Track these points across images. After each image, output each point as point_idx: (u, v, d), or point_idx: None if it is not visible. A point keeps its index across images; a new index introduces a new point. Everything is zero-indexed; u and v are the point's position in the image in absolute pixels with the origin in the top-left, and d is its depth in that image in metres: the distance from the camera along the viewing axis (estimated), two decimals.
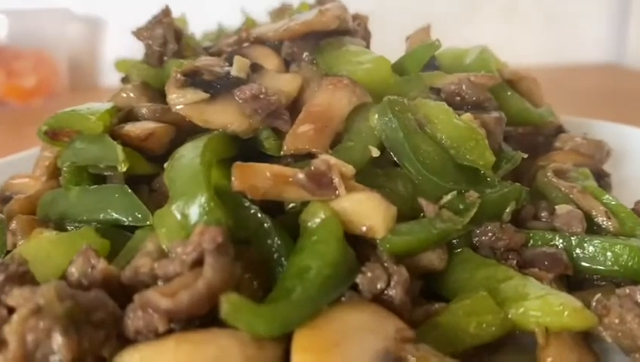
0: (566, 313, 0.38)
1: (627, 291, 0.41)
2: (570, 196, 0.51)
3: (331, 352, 0.33)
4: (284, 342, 0.35)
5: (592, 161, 0.60)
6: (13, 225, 0.47)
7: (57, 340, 0.31)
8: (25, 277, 0.36)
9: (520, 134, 0.59)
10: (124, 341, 0.35)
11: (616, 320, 0.39)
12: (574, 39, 1.94)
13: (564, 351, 0.39)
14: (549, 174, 0.52)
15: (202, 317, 0.35)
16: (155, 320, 0.33)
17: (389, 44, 0.65)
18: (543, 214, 0.51)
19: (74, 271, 0.37)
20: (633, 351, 0.39)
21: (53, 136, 0.53)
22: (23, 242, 0.46)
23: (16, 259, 0.37)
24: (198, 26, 0.78)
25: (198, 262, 0.36)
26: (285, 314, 0.34)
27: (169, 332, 0.34)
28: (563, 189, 0.51)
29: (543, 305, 0.38)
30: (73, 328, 0.32)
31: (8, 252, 0.47)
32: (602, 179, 0.60)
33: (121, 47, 2.03)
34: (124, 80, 0.64)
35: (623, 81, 1.75)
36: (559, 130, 0.63)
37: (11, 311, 0.34)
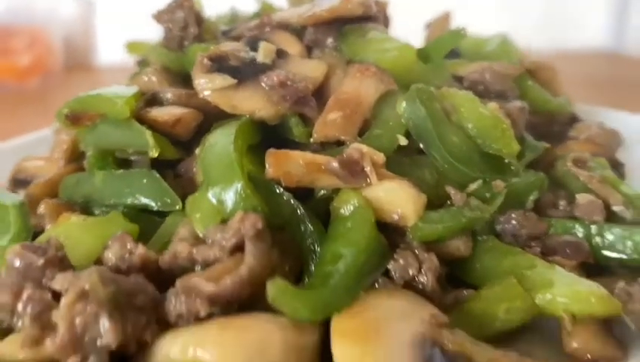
0: (593, 300, 0.39)
1: None
2: (590, 186, 0.52)
3: (371, 338, 0.34)
4: (321, 328, 0.36)
5: (607, 151, 0.60)
6: (41, 209, 0.47)
7: (104, 324, 0.32)
8: (64, 262, 0.37)
9: (536, 123, 0.59)
10: (164, 325, 0.35)
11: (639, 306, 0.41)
12: (574, 26, 1.95)
13: (589, 337, 0.40)
14: (568, 164, 0.53)
15: (240, 302, 0.36)
16: (198, 304, 0.34)
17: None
18: (561, 203, 0.52)
19: (111, 257, 0.37)
20: None
21: (74, 119, 0.52)
22: (51, 226, 0.46)
23: (53, 243, 0.37)
24: (210, 8, 0.77)
25: (238, 248, 0.36)
26: (326, 300, 0.34)
27: (209, 316, 0.35)
28: (582, 179, 0.52)
29: (570, 292, 0.39)
30: (117, 312, 0.33)
31: (35, 235, 0.47)
32: (617, 168, 0.61)
33: (113, 26, 2.01)
34: (141, 63, 0.63)
35: (623, 68, 1.77)
36: (573, 118, 0.64)
37: (55, 295, 0.34)
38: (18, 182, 0.62)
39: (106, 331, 0.32)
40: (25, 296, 0.34)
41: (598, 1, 1.93)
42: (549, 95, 0.57)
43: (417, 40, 0.61)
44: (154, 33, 0.67)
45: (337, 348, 0.33)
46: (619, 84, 1.56)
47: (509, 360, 0.35)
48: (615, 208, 0.51)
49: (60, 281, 0.33)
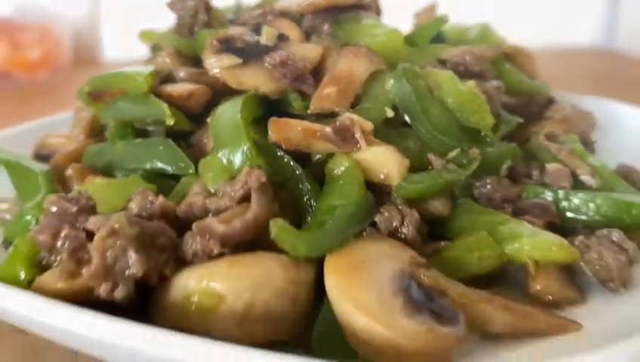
0: (553, 248, 0.45)
1: (605, 232, 0.48)
2: (559, 157, 0.57)
3: (357, 271, 0.39)
4: (317, 266, 0.41)
5: (579, 129, 0.66)
6: (69, 171, 0.53)
7: (132, 257, 0.38)
8: (93, 210, 0.42)
9: (515, 104, 0.65)
10: (181, 263, 0.41)
11: (595, 256, 0.46)
12: (567, 23, 2.00)
13: (551, 280, 0.46)
14: (541, 138, 0.59)
15: (247, 244, 0.41)
16: (211, 244, 0.39)
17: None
18: (534, 172, 0.57)
19: (134, 207, 0.43)
20: (608, 281, 0.46)
21: (95, 96, 0.58)
22: (77, 187, 0.51)
23: (84, 194, 0.43)
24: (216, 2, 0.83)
25: (244, 198, 0.42)
26: (320, 241, 0.40)
27: (220, 255, 0.40)
28: (553, 151, 0.58)
29: (533, 242, 0.45)
30: (142, 249, 0.39)
31: None
32: (588, 145, 0.66)
33: (119, 23, 2.07)
34: (155, 48, 0.69)
35: (613, 64, 1.82)
36: (550, 101, 0.70)
37: (88, 235, 0.40)
38: (41, 157, 0.68)
39: (133, 263, 0.38)
40: (62, 234, 0.39)
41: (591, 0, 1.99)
42: (525, 77, 0.63)
43: (408, 28, 0.67)
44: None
45: (329, 280, 0.39)
46: (609, 80, 1.61)
47: (477, 296, 0.41)
48: (582, 177, 0.57)
49: (92, 222, 0.39)
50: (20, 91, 1.64)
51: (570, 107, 0.68)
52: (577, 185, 0.57)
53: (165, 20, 0.71)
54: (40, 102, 1.53)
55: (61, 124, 0.76)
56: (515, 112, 0.64)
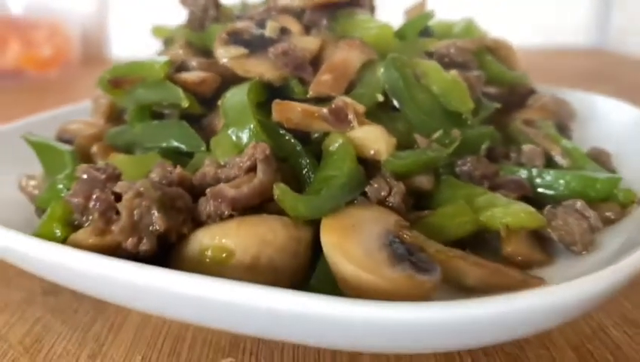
0: (522, 215, 0.51)
1: (570, 202, 0.54)
2: (535, 140, 0.64)
3: (348, 231, 0.45)
4: (314, 227, 0.47)
5: (557, 117, 0.72)
6: (94, 149, 0.59)
7: (155, 214, 0.44)
8: (119, 178, 0.48)
9: (497, 94, 0.71)
10: (197, 223, 0.47)
11: (561, 222, 0.52)
12: (560, 24, 2.07)
13: (521, 244, 0.52)
14: (519, 123, 0.65)
15: (254, 208, 0.47)
16: (223, 206, 0.46)
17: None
18: (512, 154, 0.63)
19: (154, 176, 0.49)
20: (572, 245, 0.52)
21: (115, 83, 0.64)
22: (101, 162, 0.57)
23: (111, 165, 0.49)
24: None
25: (251, 169, 0.48)
26: (317, 204, 0.46)
27: (230, 216, 0.46)
28: (530, 134, 0.64)
29: (505, 210, 0.51)
30: (164, 209, 0.45)
31: None
32: (565, 131, 0.72)
33: (128, 20, 2.13)
34: (167, 42, 0.75)
35: (604, 62, 1.88)
36: (532, 91, 0.76)
37: (117, 197, 0.46)
38: (63, 141, 0.74)
39: (156, 219, 0.44)
40: (94, 197, 0.45)
41: (583, 1, 2.05)
42: (506, 68, 0.69)
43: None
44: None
45: (325, 237, 0.45)
46: (601, 78, 1.67)
47: (453, 253, 0.47)
48: (555, 157, 0.63)
49: (120, 186, 0.45)
50: (32, 87, 1.70)
51: (549, 97, 0.74)
52: (552, 164, 0.63)
53: (171, 18, 0.77)
54: (51, 97, 1.59)
55: (74, 114, 0.83)
56: (498, 100, 0.71)
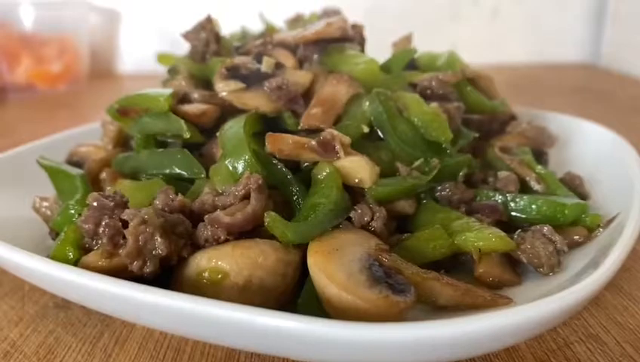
0: (493, 239, 0.55)
1: (538, 227, 0.59)
2: (511, 166, 0.68)
3: (332, 254, 0.50)
4: (301, 250, 0.52)
5: (534, 143, 0.77)
6: (103, 175, 0.64)
7: (158, 240, 0.49)
8: (126, 204, 0.54)
9: (479, 121, 0.76)
10: (195, 247, 0.52)
11: (529, 246, 0.57)
12: (554, 41, 2.12)
13: (492, 266, 0.56)
14: (495, 150, 0.70)
15: (247, 233, 0.52)
16: (219, 231, 0.51)
17: (386, 44, 0.83)
18: (490, 179, 0.68)
19: (158, 203, 0.54)
20: (539, 267, 0.56)
21: (123, 112, 0.69)
22: (110, 187, 0.63)
23: (118, 193, 0.55)
24: (225, 26, 0.94)
25: (245, 197, 0.53)
26: (304, 230, 0.51)
27: (225, 241, 0.51)
28: (505, 161, 0.69)
29: (478, 234, 0.56)
30: (166, 235, 0.50)
31: None
32: (542, 156, 0.77)
33: (136, 37, 2.20)
34: (171, 71, 0.81)
35: (596, 78, 1.93)
36: (512, 118, 0.81)
37: (124, 223, 0.51)
38: (73, 163, 0.80)
39: (159, 245, 0.49)
40: (103, 223, 0.51)
41: (577, 18, 2.10)
42: (485, 98, 0.74)
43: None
44: (167, 45, 0.84)
45: (310, 260, 0.50)
46: (593, 92, 1.72)
47: (427, 274, 0.52)
48: (530, 183, 0.68)
49: (127, 213, 0.50)
50: (42, 101, 1.76)
51: (527, 123, 0.78)
52: (527, 189, 0.68)
53: (179, 41, 0.82)
54: (60, 111, 1.65)
55: (84, 136, 0.88)
56: (479, 128, 0.76)
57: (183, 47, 0.79)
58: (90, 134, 0.90)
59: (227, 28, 0.95)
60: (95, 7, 2.09)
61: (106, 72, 2.19)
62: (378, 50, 0.78)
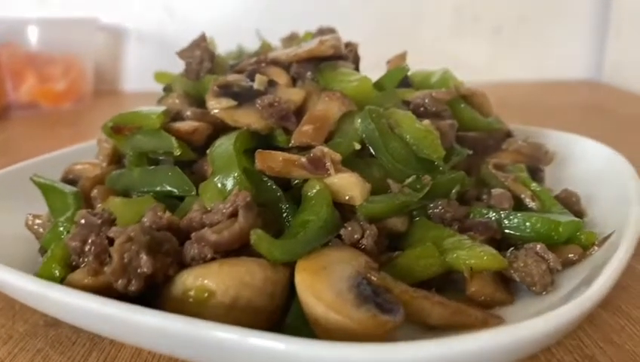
0: (485, 257, 0.54)
1: (531, 245, 0.58)
2: (505, 183, 0.68)
3: (320, 272, 0.49)
4: (289, 269, 0.52)
5: (530, 160, 0.76)
6: (94, 193, 0.64)
7: (143, 258, 0.48)
8: (114, 222, 0.53)
9: (473, 138, 0.76)
10: (182, 265, 0.52)
11: (522, 264, 0.56)
12: (555, 57, 2.12)
13: (484, 284, 0.55)
14: (490, 167, 0.69)
15: (235, 251, 0.52)
16: (205, 250, 0.50)
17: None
18: (483, 196, 0.67)
19: (146, 220, 0.54)
20: (532, 286, 0.55)
21: (117, 130, 0.70)
22: (101, 204, 0.63)
23: (106, 210, 0.54)
24: (221, 44, 0.95)
25: (233, 214, 0.53)
26: (292, 248, 0.50)
27: (212, 259, 0.51)
28: (500, 178, 0.68)
29: (470, 252, 0.55)
30: (151, 253, 0.49)
31: None
32: (537, 173, 0.77)
33: (140, 55, 2.22)
34: (166, 89, 0.81)
35: (600, 95, 1.93)
36: (507, 135, 0.80)
37: (110, 242, 0.51)
38: (68, 181, 0.80)
39: (144, 263, 0.48)
40: (89, 241, 0.50)
41: (579, 35, 2.10)
42: (479, 115, 0.74)
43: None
44: (168, 63, 0.85)
45: (298, 277, 0.49)
46: (595, 111, 1.71)
47: (417, 293, 0.51)
48: (525, 200, 0.67)
49: (113, 231, 0.50)
50: (45, 118, 1.78)
51: (524, 140, 0.78)
52: (522, 207, 0.67)
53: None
54: (63, 128, 1.66)
55: (81, 153, 0.88)
56: (474, 146, 0.75)
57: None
58: (87, 152, 0.90)
59: (226, 45, 0.96)
60: (102, 26, 2.11)
61: (111, 90, 2.21)
62: (378, 68, 0.78)
